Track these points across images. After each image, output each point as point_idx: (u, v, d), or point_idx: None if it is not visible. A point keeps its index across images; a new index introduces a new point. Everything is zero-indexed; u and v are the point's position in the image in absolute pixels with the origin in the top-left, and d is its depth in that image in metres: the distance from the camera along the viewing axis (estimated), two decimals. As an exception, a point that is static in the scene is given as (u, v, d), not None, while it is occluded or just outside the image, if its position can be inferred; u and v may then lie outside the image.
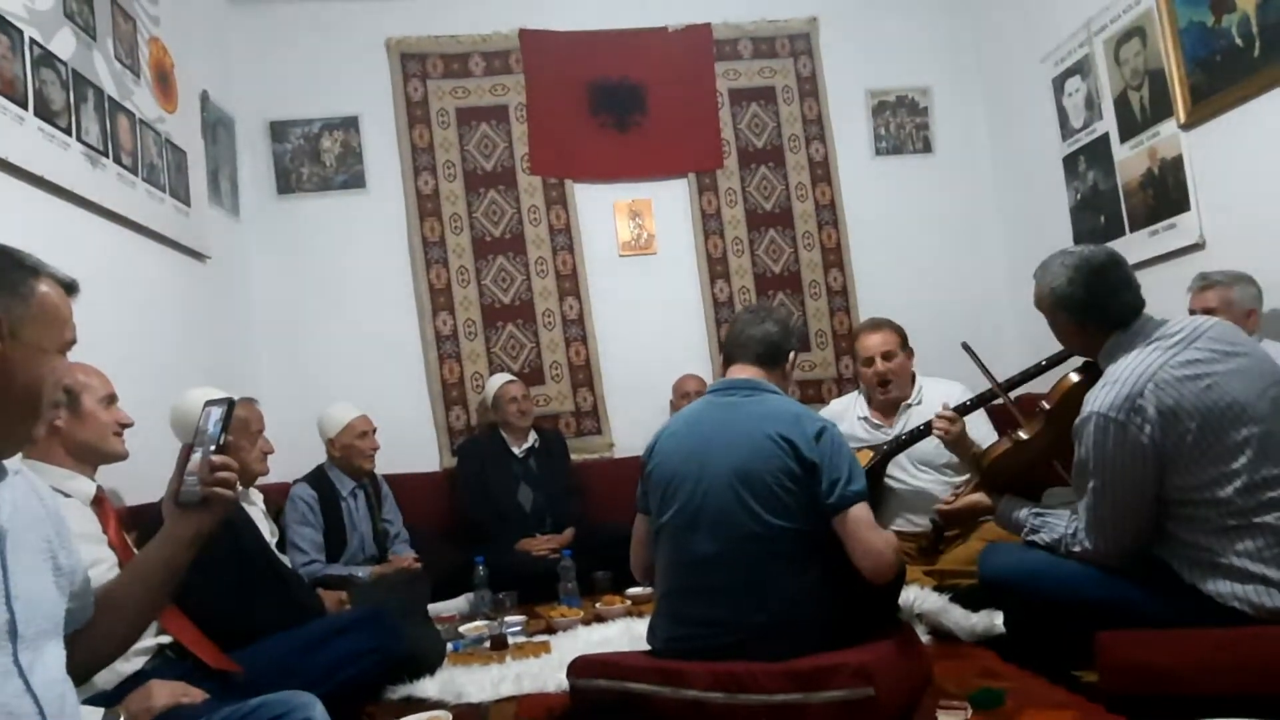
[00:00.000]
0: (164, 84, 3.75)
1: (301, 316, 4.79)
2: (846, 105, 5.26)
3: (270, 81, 4.83)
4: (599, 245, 5.08)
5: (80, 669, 1.47)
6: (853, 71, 5.25)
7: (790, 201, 5.20)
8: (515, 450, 4.48)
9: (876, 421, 3.71)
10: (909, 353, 3.70)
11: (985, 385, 3.02)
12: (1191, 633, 2.00)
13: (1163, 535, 2.11)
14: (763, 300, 5.08)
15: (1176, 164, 3.74)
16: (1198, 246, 3.67)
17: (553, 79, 5.06)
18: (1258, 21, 3.23)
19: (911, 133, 5.29)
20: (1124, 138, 4.06)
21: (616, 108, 5.08)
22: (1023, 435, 2.58)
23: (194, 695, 1.91)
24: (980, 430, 3.42)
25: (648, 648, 2.40)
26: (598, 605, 3.55)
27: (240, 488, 2.93)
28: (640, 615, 3.25)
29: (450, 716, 2.42)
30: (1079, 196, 4.44)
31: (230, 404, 1.55)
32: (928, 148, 5.30)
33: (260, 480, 3.28)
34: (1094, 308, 2.23)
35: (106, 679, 1.95)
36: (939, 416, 3.20)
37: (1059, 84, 4.48)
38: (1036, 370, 3.11)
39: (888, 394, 3.65)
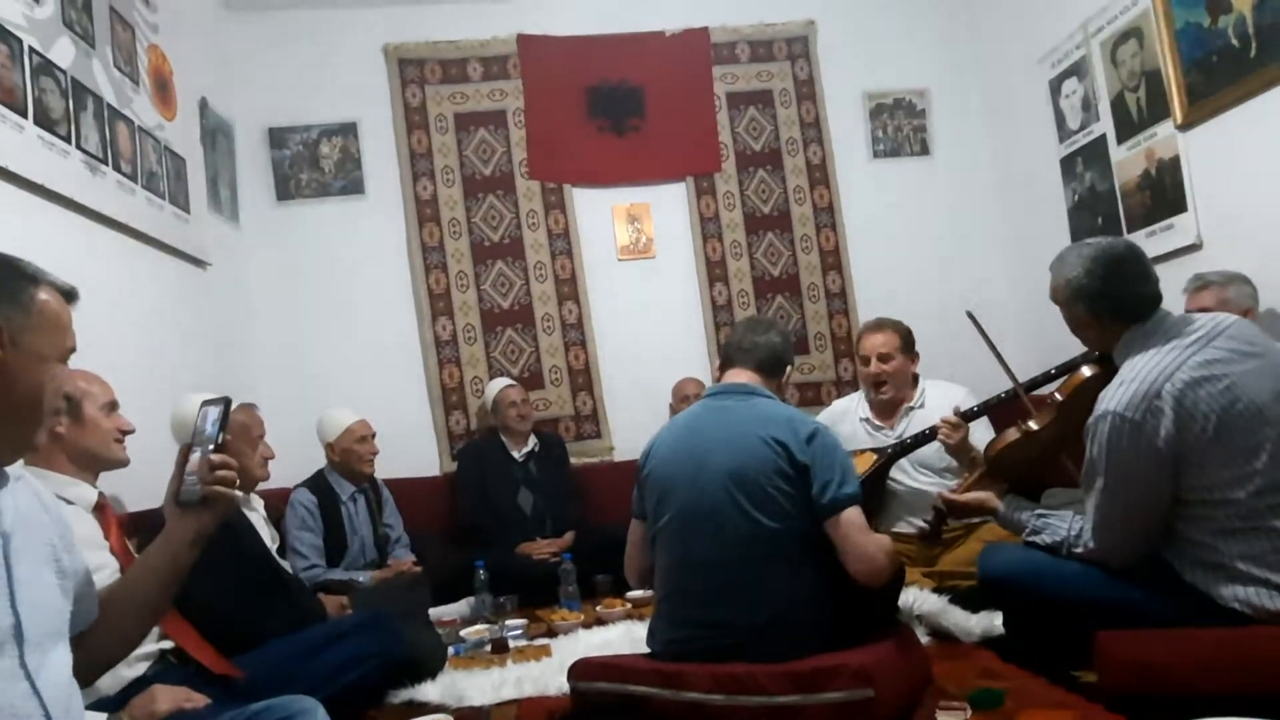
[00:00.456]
0: (163, 91, 3.76)
1: (301, 322, 4.79)
2: (844, 108, 5.27)
3: (269, 88, 4.84)
4: (598, 249, 5.09)
5: (86, 670, 1.48)
6: (850, 74, 5.26)
7: (788, 204, 5.21)
8: (515, 454, 4.48)
9: (878, 423, 3.71)
10: (912, 355, 3.69)
11: (989, 385, 3.02)
12: (1191, 632, 2.00)
13: (1167, 533, 2.10)
14: (761, 311, 5.08)
15: (1173, 165, 3.75)
16: (1195, 247, 3.68)
17: (550, 84, 5.07)
18: (1254, 22, 3.24)
19: (909, 135, 5.30)
20: (1121, 139, 4.07)
21: (614, 112, 5.09)
22: (1032, 426, 2.54)
23: (197, 700, 1.92)
24: (982, 435, 3.42)
25: (648, 650, 2.41)
26: (598, 608, 3.56)
27: (241, 493, 2.94)
28: (640, 618, 3.25)
29: (452, 720, 2.43)
30: (1076, 198, 4.45)
31: (227, 403, 1.55)
32: (925, 150, 5.31)
33: (261, 485, 3.29)
34: (1111, 300, 2.19)
35: (109, 684, 1.96)
36: (945, 422, 3.21)
37: (1056, 85, 4.49)
38: (1046, 378, 3.10)
39: (882, 395, 3.66)
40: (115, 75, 3.33)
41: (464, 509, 4.42)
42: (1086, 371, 2.44)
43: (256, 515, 3.18)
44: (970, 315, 2.98)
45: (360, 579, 3.66)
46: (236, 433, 2.97)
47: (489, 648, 3.19)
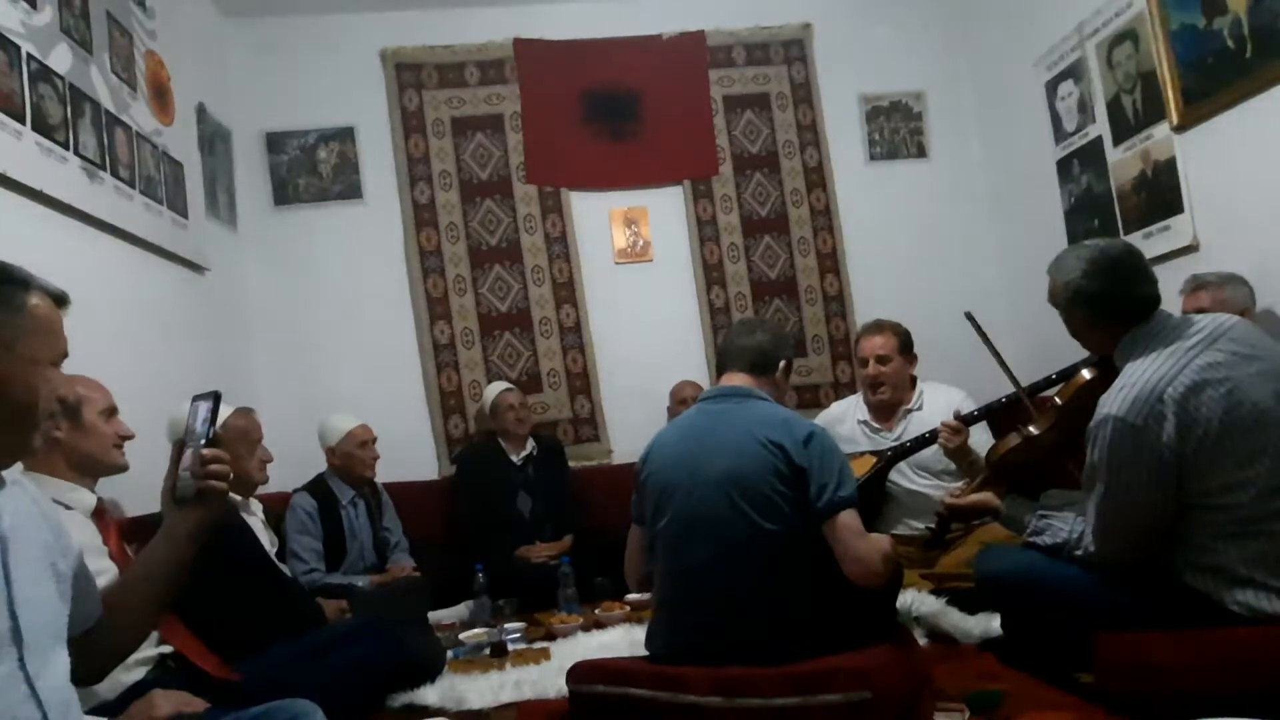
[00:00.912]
0: (161, 97, 3.76)
1: (300, 326, 4.80)
2: (840, 111, 5.28)
3: (266, 93, 4.85)
4: (595, 253, 5.10)
5: (91, 669, 1.49)
6: (846, 77, 5.27)
7: (785, 207, 5.21)
8: (514, 458, 4.49)
9: (876, 426, 3.72)
10: (910, 357, 3.71)
11: (986, 387, 3.03)
12: (1188, 633, 2.00)
13: (1168, 536, 2.09)
14: (759, 313, 5.09)
15: (1169, 166, 3.76)
16: (1191, 248, 3.69)
17: (547, 88, 5.07)
18: (1249, 23, 3.25)
19: (905, 138, 5.31)
20: (1117, 141, 4.07)
21: (611, 116, 5.10)
22: (1033, 430, 2.55)
23: (196, 705, 1.92)
24: (981, 439, 3.43)
25: (647, 653, 2.41)
26: (597, 611, 3.57)
27: (240, 497, 2.95)
28: (640, 621, 3.26)
29: (451, 724, 2.44)
30: (1073, 200, 4.46)
31: (217, 397, 1.56)
32: (922, 153, 5.31)
33: (260, 489, 3.29)
34: (1110, 301, 2.19)
35: (108, 689, 1.96)
36: (945, 426, 3.22)
37: (1052, 88, 4.50)
38: (1046, 383, 3.11)
39: (880, 397, 3.67)
40: (113, 81, 3.34)
41: (463, 513, 4.42)
42: (1086, 374, 2.44)
43: (255, 519, 3.19)
44: (969, 316, 2.98)
45: (359, 583, 3.67)
46: (235, 437, 2.98)
47: (488, 651, 3.19)
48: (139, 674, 2.09)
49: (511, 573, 3.98)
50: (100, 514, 2.19)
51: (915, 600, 3.06)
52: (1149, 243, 3.86)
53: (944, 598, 3.08)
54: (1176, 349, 2.06)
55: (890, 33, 5.29)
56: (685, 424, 2.45)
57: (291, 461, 3.87)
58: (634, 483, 2.49)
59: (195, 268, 3.99)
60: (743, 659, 2.13)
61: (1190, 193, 3.68)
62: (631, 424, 4.85)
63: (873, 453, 3.58)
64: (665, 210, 5.15)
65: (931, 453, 3.46)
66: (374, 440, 4.08)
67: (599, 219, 5.11)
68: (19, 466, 2.06)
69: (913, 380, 3.76)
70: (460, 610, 3.78)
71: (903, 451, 3.48)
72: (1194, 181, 3.66)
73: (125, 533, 2.31)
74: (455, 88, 5.05)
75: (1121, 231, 4.05)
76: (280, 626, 2.59)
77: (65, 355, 1.40)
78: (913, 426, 3.61)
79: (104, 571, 2.03)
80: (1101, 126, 4.16)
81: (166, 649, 2.18)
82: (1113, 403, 2.06)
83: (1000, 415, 3.37)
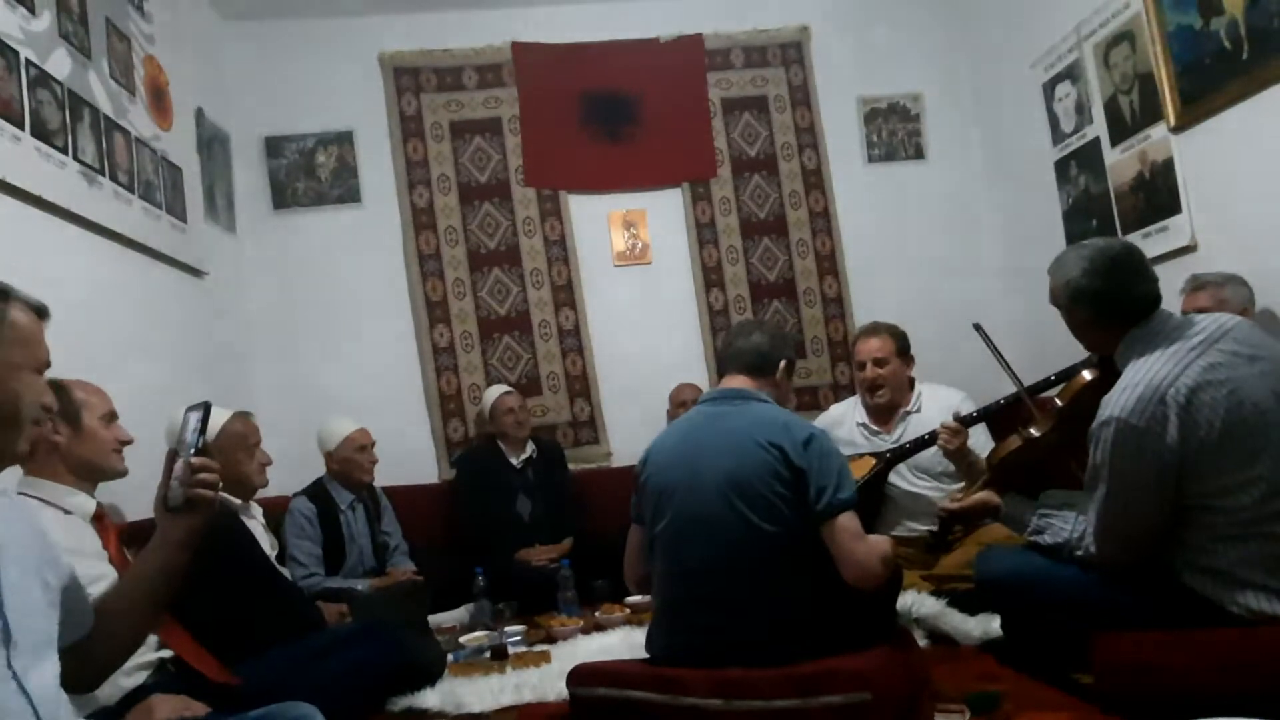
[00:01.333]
0: (159, 102, 3.77)
1: (298, 330, 4.80)
2: (838, 113, 5.28)
3: (264, 97, 4.85)
4: (594, 256, 5.10)
5: (85, 678, 1.50)
6: (844, 79, 5.27)
7: (784, 210, 5.22)
8: (513, 461, 4.49)
9: (875, 428, 3.72)
10: (907, 359, 3.71)
11: (984, 388, 3.03)
12: (1187, 634, 2.00)
13: (1168, 537, 2.09)
14: (758, 315, 5.09)
15: (1167, 167, 3.76)
16: (1189, 249, 3.69)
17: (545, 91, 5.08)
18: (1245, 24, 3.25)
19: (903, 140, 5.31)
20: (1114, 141, 4.08)
21: (609, 119, 5.10)
22: (1034, 432, 2.54)
23: (195, 709, 1.93)
24: (980, 441, 3.44)
25: (646, 656, 2.41)
26: (597, 614, 3.57)
27: (240, 500, 2.95)
28: (639, 624, 3.26)
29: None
30: (1071, 201, 4.46)
31: (207, 408, 1.58)
32: (920, 154, 5.31)
33: (259, 493, 3.29)
34: (1110, 299, 2.18)
35: (108, 693, 1.96)
36: (945, 428, 3.22)
37: (1049, 89, 4.50)
38: (1045, 384, 3.11)
39: (878, 399, 3.67)
40: (112, 86, 3.34)
41: (462, 516, 4.42)
42: (1087, 375, 2.44)
43: (256, 523, 3.19)
44: (977, 328, 2.97)
45: (359, 587, 3.67)
46: (234, 441, 2.98)
47: (488, 654, 3.19)
48: (139, 678, 2.09)
49: (511, 576, 3.98)
50: (100, 519, 2.19)
51: (915, 601, 3.06)
52: (1147, 243, 3.87)
53: (944, 599, 3.08)
54: (1178, 349, 2.06)
55: (888, 35, 5.29)
56: (685, 426, 2.45)
57: (290, 465, 3.87)
58: (634, 484, 2.49)
59: (194, 272, 4.00)
60: (742, 661, 2.13)
61: (1188, 193, 3.68)
62: (631, 426, 4.85)
63: (872, 454, 3.58)
64: (664, 213, 5.15)
65: (931, 454, 3.46)
66: (373, 444, 4.09)
67: (598, 222, 5.12)
68: (14, 480, 2.07)
69: (911, 382, 3.76)
70: (460, 613, 3.78)
71: (902, 453, 3.48)
72: (1192, 182, 3.67)
73: (125, 537, 2.32)
74: (454, 91, 5.05)
75: (1120, 232, 4.05)
76: (280, 630, 2.59)
77: (47, 364, 1.43)
78: (912, 429, 3.61)
79: (104, 576, 2.04)
80: (1099, 127, 4.16)
81: (166, 653, 2.18)
82: (1115, 404, 2.06)
83: (999, 416, 3.37)
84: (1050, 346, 2.90)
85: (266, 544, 3.14)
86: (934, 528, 2.93)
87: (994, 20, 4.97)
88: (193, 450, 1.54)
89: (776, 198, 5.22)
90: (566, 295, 5.05)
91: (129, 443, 2.31)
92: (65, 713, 1.31)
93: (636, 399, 4.90)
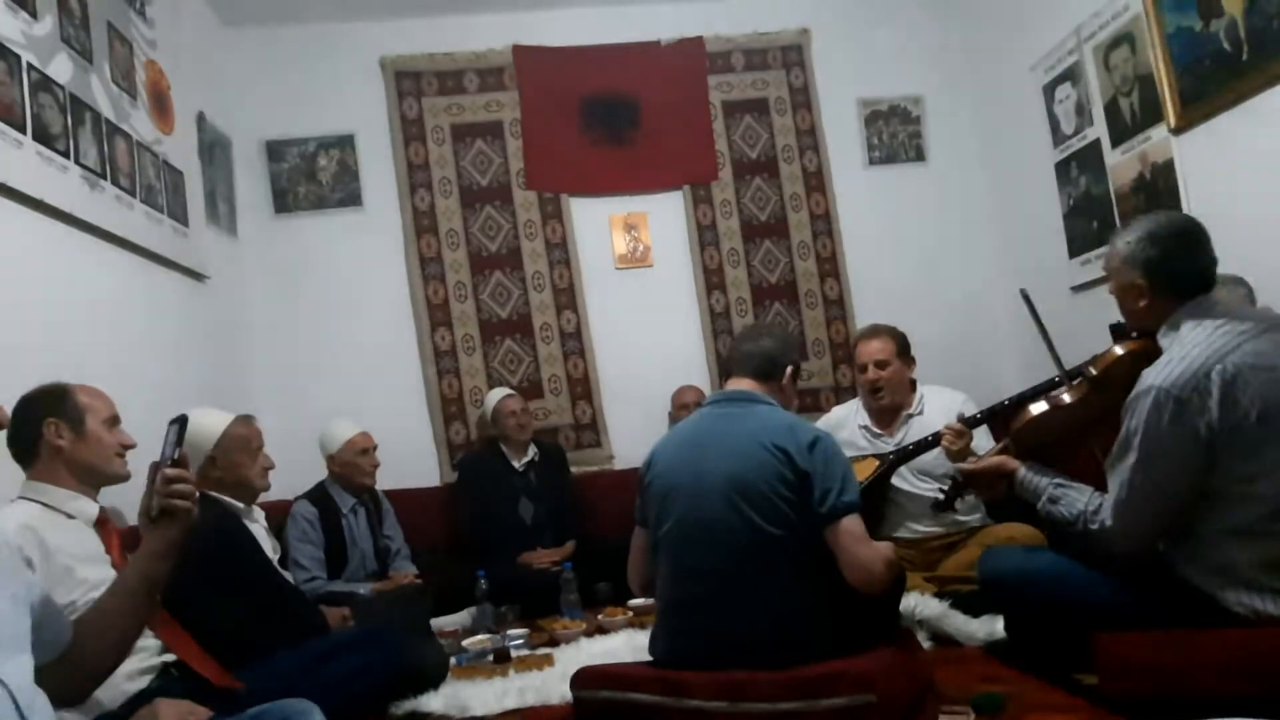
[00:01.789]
0: (161, 106, 3.77)
1: (300, 334, 4.80)
2: (839, 115, 5.29)
3: (266, 101, 4.86)
4: (595, 259, 5.10)
5: (70, 691, 1.52)
6: (845, 82, 5.28)
7: (785, 212, 5.22)
8: (515, 464, 4.49)
9: (877, 430, 3.72)
10: (909, 361, 3.70)
11: (984, 389, 3.01)
12: (1190, 634, 2.00)
13: (1178, 532, 2.08)
14: (759, 318, 5.09)
15: (1167, 168, 3.76)
16: (1190, 250, 3.68)
17: (546, 94, 5.09)
18: (1245, 25, 3.25)
19: (904, 142, 5.32)
20: (1115, 143, 4.08)
21: (610, 122, 5.11)
22: (1065, 398, 2.50)
23: (199, 714, 1.93)
24: (984, 443, 3.43)
25: (650, 658, 2.41)
26: (600, 617, 3.57)
27: (243, 504, 2.95)
28: (642, 626, 3.26)
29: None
30: (1071, 202, 4.46)
31: (183, 421, 1.64)
32: (920, 156, 5.32)
33: (261, 497, 3.29)
34: (1169, 269, 2.13)
35: (112, 697, 1.96)
36: (949, 429, 3.20)
37: (1049, 91, 4.51)
38: (1050, 385, 3.08)
39: (880, 401, 3.67)
40: (113, 90, 3.34)
41: (464, 519, 4.42)
42: (1119, 350, 2.38)
43: (258, 526, 3.18)
44: (1023, 293, 2.88)
45: (361, 590, 3.66)
46: (236, 444, 2.98)
47: (491, 658, 3.19)
48: (142, 683, 2.09)
49: (514, 579, 3.98)
50: (103, 523, 2.19)
51: (919, 603, 3.05)
52: (1148, 245, 3.86)
53: (947, 600, 3.08)
54: (1230, 329, 2.03)
55: (888, 37, 5.30)
56: (690, 428, 2.45)
57: (292, 469, 3.87)
58: (638, 487, 2.49)
59: (196, 276, 4.00)
60: (746, 663, 2.13)
61: (1188, 194, 3.68)
62: (633, 429, 4.86)
63: (875, 456, 3.58)
64: (665, 216, 5.16)
65: (933, 456, 3.45)
66: (374, 448, 4.09)
67: (599, 225, 5.12)
68: (23, 477, 2.08)
69: (912, 384, 3.76)
70: (463, 617, 3.77)
71: (905, 455, 3.48)
72: (1192, 183, 3.67)
73: (128, 542, 2.31)
74: (455, 95, 5.06)
75: (1120, 233, 4.05)
76: (283, 634, 2.58)
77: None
78: (914, 431, 3.60)
79: (106, 581, 2.03)
80: (1099, 129, 4.17)
81: (169, 657, 2.18)
82: (1159, 374, 2.03)
83: (1003, 417, 3.36)
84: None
85: (269, 548, 3.13)
86: (945, 487, 2.89)
87: (994, 22, 4.97)
88: (169, 462, 1.58)
89: (777, 200, 5.23)
90: (568, 298, 5.06)
91: (132, 447, 2.31)
92: (41, 702, 1.32)
93: (638, 402, 4.91)
